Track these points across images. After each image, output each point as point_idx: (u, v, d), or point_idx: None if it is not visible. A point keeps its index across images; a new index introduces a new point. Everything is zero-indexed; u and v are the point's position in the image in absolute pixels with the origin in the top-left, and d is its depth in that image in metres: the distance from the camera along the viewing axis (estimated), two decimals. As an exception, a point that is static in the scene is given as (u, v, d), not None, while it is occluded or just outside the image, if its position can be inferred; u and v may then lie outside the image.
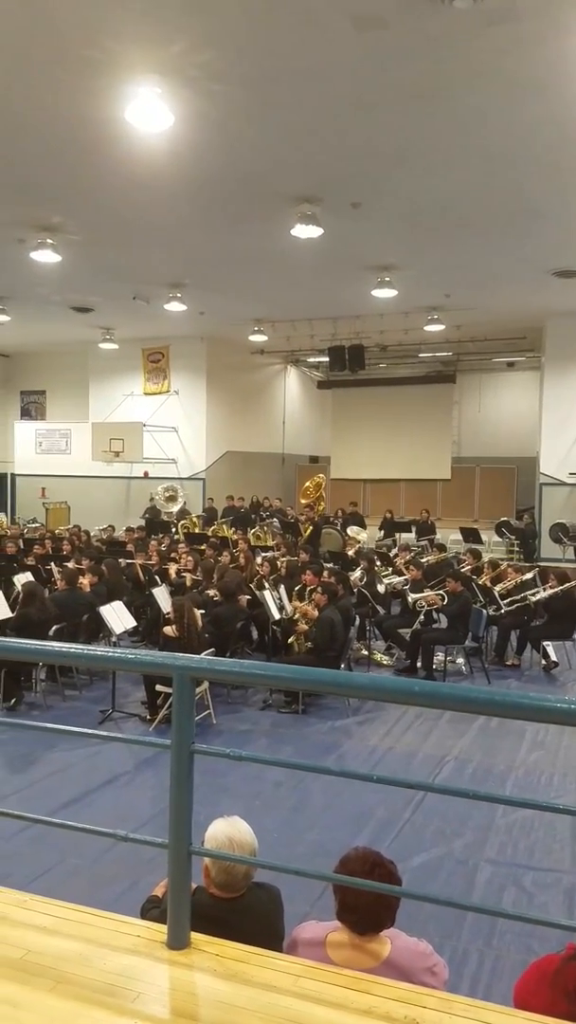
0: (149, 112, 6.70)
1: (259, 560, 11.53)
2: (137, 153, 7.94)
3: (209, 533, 15.76)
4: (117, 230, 10.85)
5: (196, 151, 7.96)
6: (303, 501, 19.01)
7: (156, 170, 8.43)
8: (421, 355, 20.21)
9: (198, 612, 8.03)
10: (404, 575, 11.00)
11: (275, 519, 17.38)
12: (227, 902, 2.83)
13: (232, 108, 7.09)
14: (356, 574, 10.84)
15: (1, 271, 12.98)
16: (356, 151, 8.08)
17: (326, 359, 19.20)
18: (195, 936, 2.55)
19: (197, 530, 16.55)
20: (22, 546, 13.49)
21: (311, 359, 21.83)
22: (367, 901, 2.56)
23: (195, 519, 17.70)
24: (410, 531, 18.03)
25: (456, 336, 18.04)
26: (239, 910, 2.83)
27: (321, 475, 20.10)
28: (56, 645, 3.24)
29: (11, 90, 6.83)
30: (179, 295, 14.11)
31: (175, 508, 19.04)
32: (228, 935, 2.59)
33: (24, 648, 3.35)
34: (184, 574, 10.92)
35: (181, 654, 2.90)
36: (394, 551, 13.98)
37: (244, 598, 9.48)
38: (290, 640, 8.68)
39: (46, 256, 11.07)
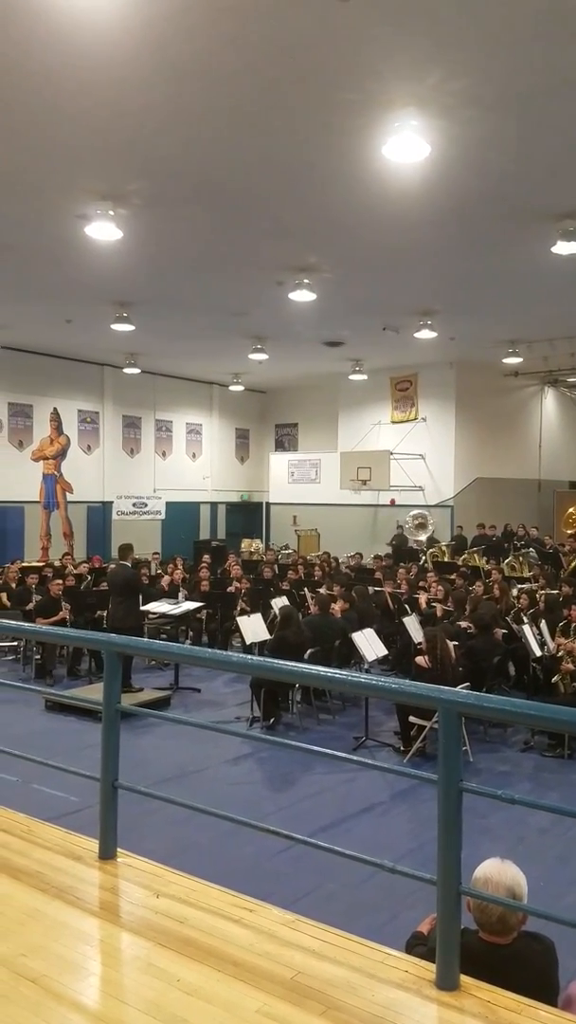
0: (406, 145, 6.78)
1: (515, 592, 11.09)
2: (392, 187, 8.08)
3: (459, 562, 15.46)
4: (369, 264, 11.10)
5: (450, 178, 7.94)
6: (568, 531, 17.93)
7: (410, 201, 8.52)
8: None
9: (451, 644, 7.86)
10: None
11: (531, 549, 16.59)
12: (497, 948, 2.71)
13: (488, 131, 6.99)
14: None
15: (262, 313, 13.82)
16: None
17: (590, 377, 18.16)
18: (464, 979, 2.46)
19: (446, 559, 16.31)
20: (277, 571, 14.12)
21: (572, 379, 20.75)
22: None
23: (444, 547, 17.45)
24: None
25: None
26: (509, 958, 2.70)
27: (588, 501, 18.89)
28: (320, 669, 3.31)
29: (274, 140, 7.26)
30: (429, 322, 14.10)
31: (424, 536, 18.90)
32: (496, 982, 2.48)
33: (294, 670, 3.46)
34: (434, 604, 10.78)
35: (447, 687, 2.82)
36: None
37: (500, 632, 9.13)
38: (554, 679, 8.19)
39: (302, 296, 11.61)
